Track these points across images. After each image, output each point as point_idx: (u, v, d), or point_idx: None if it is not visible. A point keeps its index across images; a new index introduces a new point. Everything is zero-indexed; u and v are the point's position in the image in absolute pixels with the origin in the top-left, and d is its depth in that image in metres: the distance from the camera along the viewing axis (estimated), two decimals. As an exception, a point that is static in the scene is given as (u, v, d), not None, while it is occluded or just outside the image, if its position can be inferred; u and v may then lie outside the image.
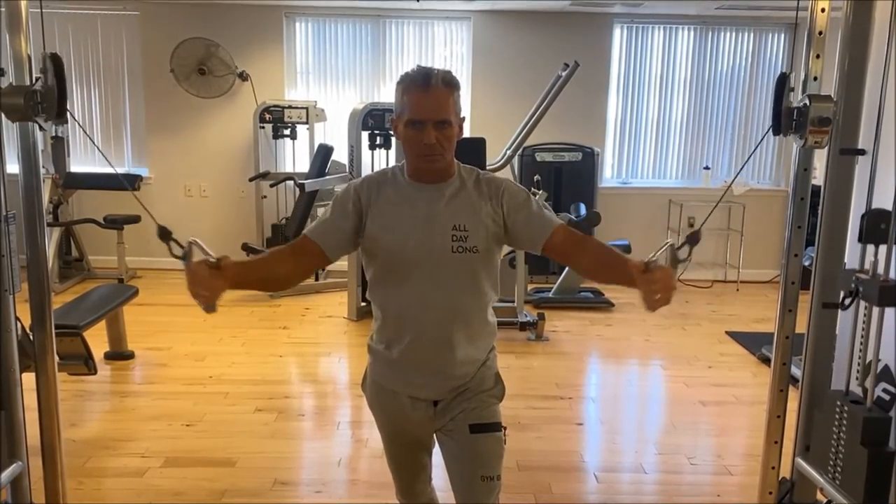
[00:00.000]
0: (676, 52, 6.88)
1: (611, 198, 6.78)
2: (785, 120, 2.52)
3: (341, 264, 6.52)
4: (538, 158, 6.56)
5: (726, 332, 5.41)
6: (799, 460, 2.85)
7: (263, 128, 6.61)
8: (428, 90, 1.78)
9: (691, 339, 5.32)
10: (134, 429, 3.65)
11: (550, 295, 6.04)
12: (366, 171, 5.53)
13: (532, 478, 3.20)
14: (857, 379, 2.63)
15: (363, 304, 5.56)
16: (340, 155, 6.47)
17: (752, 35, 6.86)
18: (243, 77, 6.66)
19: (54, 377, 2.44)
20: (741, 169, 6.86)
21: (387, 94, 6.71)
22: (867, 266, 2.47)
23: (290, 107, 6.54)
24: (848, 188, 2.73)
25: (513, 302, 5.37)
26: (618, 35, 6.81)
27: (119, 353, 4.52)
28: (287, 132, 6.62)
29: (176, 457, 3.35)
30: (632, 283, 1.66)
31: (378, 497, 3.03)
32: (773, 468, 2.75)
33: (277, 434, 3.67)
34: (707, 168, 6.95)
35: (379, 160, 5.61)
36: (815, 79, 2.50)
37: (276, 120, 6.53)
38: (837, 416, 2.65)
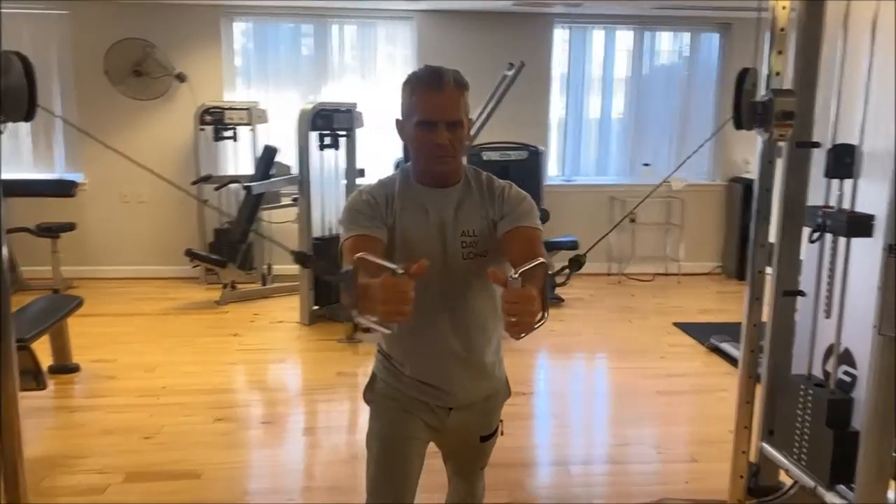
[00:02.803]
0: (616, 52, 7.03)
1: (556, 195, 6.87)
2: (748, 114, 2.59)
3: (290, 267, 6.43)
4: (485, 157, 6.58)
5: (674, 324, 5.55)
6: (763, 444, 2.95)
7: (203, 130, 6.44)
8: (440, 90, 1.74)
9: (640, 331, 5.44)
10: (88, 444, 3.49)
11: (501, 293, 6.08)
12: (315, 172, 5.46)
13: (504, 475, 3.21)
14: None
15: (315, 307, 5.49)
16: (285, 156, 6.37)
17: (687, 35, 7.07)
18: (181, 78, 6.47)
19: (15, 394, 2.32)
20: (678, 167, 7.04)
21: (330, 94, 6.64)
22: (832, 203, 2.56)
23: (230, 108, 6.38)
24: (804, 180, 2.83)
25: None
26: (559, 35, 6.91)
27: (64, 367, 4.33)
28: (228, 134, 6.46)
29: (137, 471, 3.22)
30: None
31: (356, 499, 2.98)
32: (744, 453, 2.84)
33: (241, 444, 3.58)
34: (647, 165, 7.12)
35: (328, 161, 5.53)
36: (778, 74, 2.58)
37: (217, 122, 6.37)
38: (801, 400, 2.75)
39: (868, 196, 2.51)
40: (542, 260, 1.51)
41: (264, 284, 6.32)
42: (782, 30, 2.55)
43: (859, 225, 2.50)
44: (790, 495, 2.83)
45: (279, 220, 6.61)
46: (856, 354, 2.71)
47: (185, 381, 4.29)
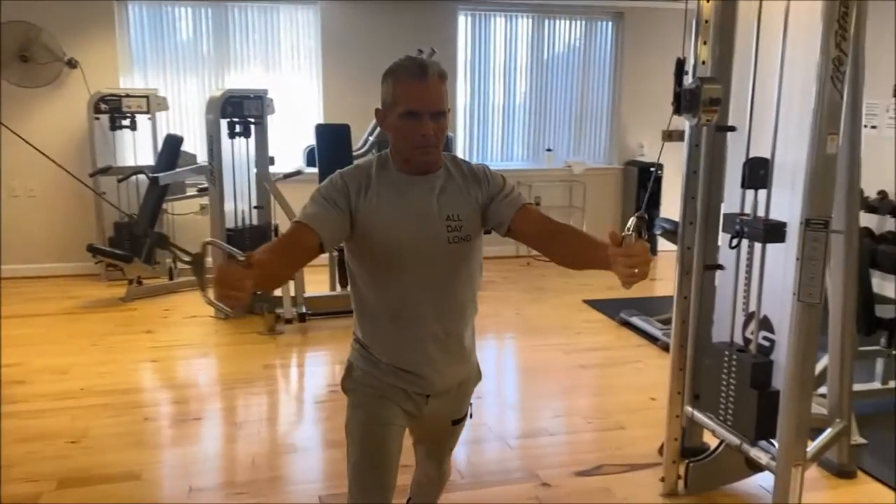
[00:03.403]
0: (517, 40, 7.22)
1: (464, 181, 6.99)
2: (676, 100, 2.77)
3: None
4: (394, 144, 6.61)
5: (584, 301, 5.81)
6: (689, 408, 3.16)
7: (98, 119, 6.12)
8: (425, 81, 1.76)
9: (555, 309, 5.66)
10: (10, 453, 3.29)
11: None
12: (226, 160, 5.32)
13: (449, 453, 3.29)
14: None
15: (231, 300, 5.36)
16: (189, 145, 6.17)
17: (583, 24, 7.34)
18: (72, 64, 6.12)
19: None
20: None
21: (232, 82, 6.47)
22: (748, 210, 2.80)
23: (127, 95, 6.10)
24: (722, 162, 3.04)
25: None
26: (462, 23, 7.02)
27: (-33, 374, 4.06)
28: (126, 123, 6.18)
29: (70, 477, 3.09)
30: (605, 265, 1.61)
31: (306, 492, 2.99)
32: (678, 416, 3.04)
33: (176, 441, 3.49)
34: (549, 150, 7.36)
35: (239, 149, 5.40)
36: (704, 63, 2.76)
37: (114, 110, 6.08)
38: (726, 365, 2.97)
39: (780, 204, 2.75)
40: (639, 214, 1.70)
41: (171, 279, 6.11)
42: (706, 21, 2.74)
43: (774, 232, 2.75)
44: (717, 454, 3.06)
45: (183, 211, 6.42)
46: (774, 321, 2.97)
47: (103, 382, 4.11)
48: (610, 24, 7.38)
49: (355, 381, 1.97)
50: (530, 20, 7.19)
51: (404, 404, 1.94)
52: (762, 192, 2.78)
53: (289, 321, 5.07)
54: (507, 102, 7.31)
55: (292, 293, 5.18)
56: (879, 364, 3.84)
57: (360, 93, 6.66)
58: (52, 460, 3.22)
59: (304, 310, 5.13)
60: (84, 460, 3.24)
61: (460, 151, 7.24)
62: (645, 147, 7.59)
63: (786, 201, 2.73)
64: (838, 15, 2.44)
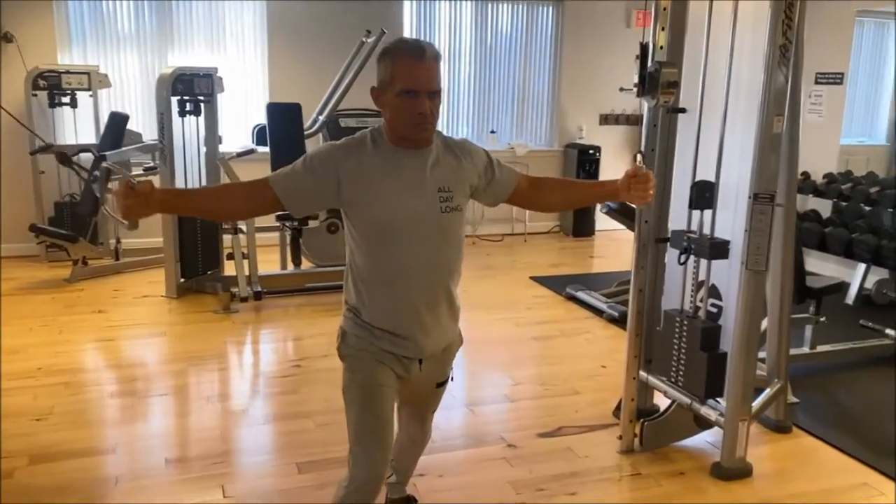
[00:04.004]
0: (461, 24, 7.34)
1: (410, 161, 7.10)
2: (640, 83, 2.94)
3: (141, 241, 6.18)
4: (342, 124, 6.61)
5: (530, 278, 6.01)
6: (641, 373, 3.39)
7: (37, 96, 5.96)
8: (423, 61, 1.86)
9: (504, 286, 5.85)
10: (-27, 432, 3.27)
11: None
12: (177, 138, 5.27)
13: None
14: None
15: (182, 280, 5.35)
16: (133, 123, 6.06)
17: (524, 8, 7.51)
18: (7, 38, 5.92)
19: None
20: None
21: (176, 61, 6.37)
22: (694, 227, 3.04)
23: (67, 72, 5.96)
24: (673, 142, 3.24)
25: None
26: (408, 7, 7.09)
27: (-85, 356, 3.95)
28: (66, 100, 6.03)
29: (41, 453, 3.08)
30: (615, 194, 2.18)
31: (283, 460, 3.08)
32: (634, 379, 3.25)
33: (145, 416, 3.51)
34: (493, 132, 7.53)
35: (189, 127, 5.36)
36: (662, 48, 2.95)
37: (53, 87, 5.93)
38: (677, 330, 3.20)
39: (723, 223, 2.99)
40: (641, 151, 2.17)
41: (117, 259, 6.02)
42: (665, 9, 2.92)
43: (718, 249, 2.99)
44: (669, 413, 3.29)
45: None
46: (721, 289, 3.20)
47: (60, 361, 4.07)
48: (551, 9, 7.57)
49: (351, 346, 2.07)
50: (473, 4, 7.32)
51: (396, 368, 2.06)
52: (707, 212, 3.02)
53: (244, 299, 5.09)
54: (451, 85, 7.43)
55: (247, 272, 5.20)
56: (808, 330, 4.16)
57: (307, 73, 6.69)
58: (18, 438, 3.20)
59: (259, 288, 5.15)
60: (53, 437, 3.23)
61: (406, 132, 7.32)
62: (584, 130, 7.85)
63: (728, 221, 2.99)
64: (785, 6, 2.67)
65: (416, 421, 2.38)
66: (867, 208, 5.79)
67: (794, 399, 3.68)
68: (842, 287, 4.76)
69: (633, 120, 8.06)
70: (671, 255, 3.31)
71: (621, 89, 8.36)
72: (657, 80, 2.87)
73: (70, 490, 2.81)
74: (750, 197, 2.83)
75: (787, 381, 3.48)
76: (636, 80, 2.90)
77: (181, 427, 3.47)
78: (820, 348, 4.20)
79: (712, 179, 2.99)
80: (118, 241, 6.06)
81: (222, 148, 5.61)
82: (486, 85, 7.53)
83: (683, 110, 3.18)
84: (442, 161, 2.01)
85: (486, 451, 3.20)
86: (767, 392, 3.31)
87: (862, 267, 5.46)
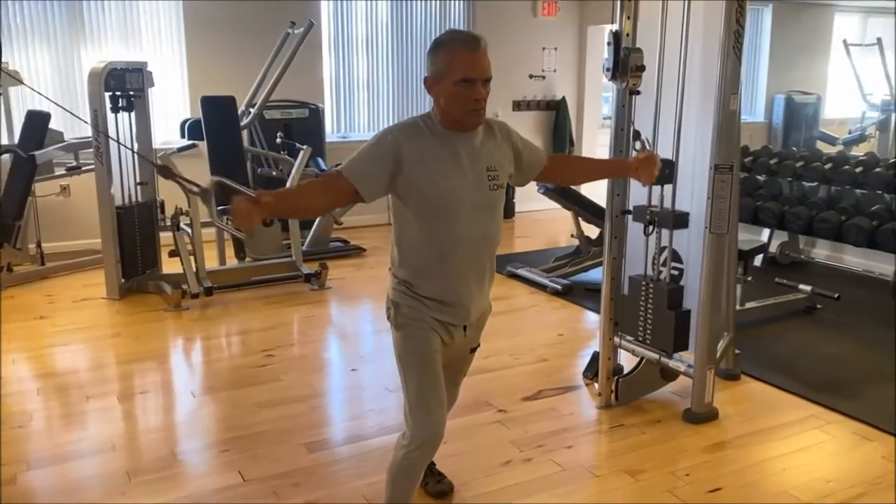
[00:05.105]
0: (378, 18, 7.46)
1: (337, 151, 7.15)
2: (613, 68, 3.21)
3: (64, 245, 5.99)
4: (267, 116, 6.61)
5: (467, 260, 6.24)
6: (610, 334, 3.69)
7: (-61, 94, 5.61)
8: (478, 52, 2.03)
9: (444, 269, 6.04)
10: (-45, 444, 3.15)
11: (304, 248, 6.27)
12: (112, 133, 5.12)
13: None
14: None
15: (123, 280, 5.22)
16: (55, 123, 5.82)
17: (438, 4, 7.72)
18: None
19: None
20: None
21: (89, 57, 6.16)
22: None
23: (-27, 70, 5.63)
24: (630, 119, 3.52)
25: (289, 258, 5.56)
26: (325, 5, 7.17)
27: None
28: (-27, 100, 5.70)
29: (38, 457, 3.03)
30: (626, 170, 2.60)
31: (291, 440, 3.17)
32: (610, 339, 3.55)
33: (134, 414, 3.48)
34: (414, 120, 7.70)
35: (122, 123, 5.21)
36: (628, 35, 3.23)
37: (-41, 85, 5.59)
38: (644, 293, 3.52)
39: (682, 196, 3.33)
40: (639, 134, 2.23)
41: (43, 264, 5.77)
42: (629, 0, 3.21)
43: (680, 220, 3.34)
44: (639, 370, 3.61)
45: (43, 193, 6.04)
46: (682, 253, 3.55)
47: (21, 368, 3.95)
48: (462, 3, 7.81)
49: (405, 316, 2.23)
50: (389, 4, 7.47)
51: (443, 335, 2.24)
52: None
53: (195, 296, 5.04)
54: (371, 76, 7.54)
55: (194, 268, 5.14)
56: (738, 289, 4.61)
57: (227, 67, 6.64)
58: (8, 445, 3.12)
59: (208, 284, 5.12)
60: (44, 441, 3.18)
61: (329, 123, 7.39)
62: (499, 116, 8.15)
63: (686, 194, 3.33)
64: (738, -5, 3.01)
65: (450, 385, 2.52)
66: (761, 179, 6.40)
67: (736, 351, 4.10)
68: (765, 249, 5.28)
69: (543, 105, 8.45)
70: (633, 226, 3.63)
71: (531, 76, 8.80)
72: (626, 64, 3.15)
73: (78, 491, 2.79)
74: (711, 168, 3.17)
75: (734, 333, 3.88)
76: (609, 65, 3.16)
77: (175, 421, 3.48)
78: (748, 305, 4.68)
79: (672, 157, 3.31)
80: (38, 245, 5.81)
81: (157, 144, 5.50)
82: (405, 76, 7.70)
83: (638, 92, 3.48)
84: (487, 142, 2.19)
85: (479, 417, 3.41)
86: (723, 343, 3.70)
87: (766, 232, 6.06)
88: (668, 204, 3.35)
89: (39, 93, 5.29)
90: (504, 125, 2.28)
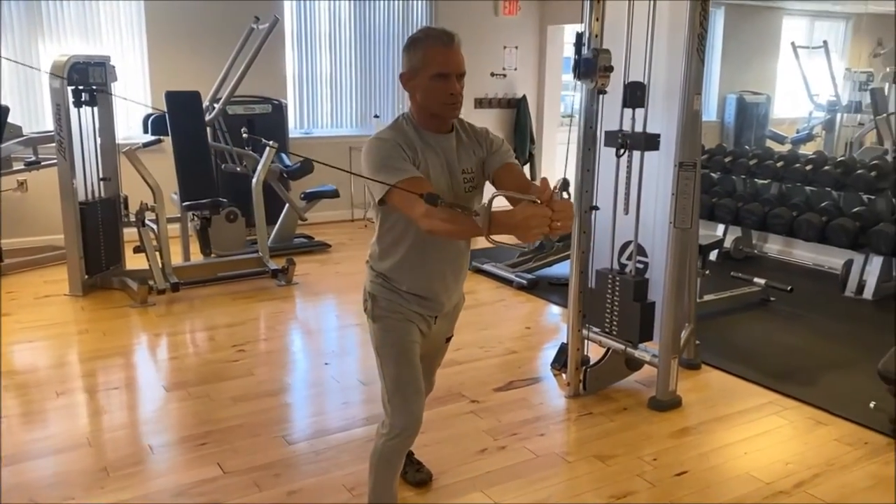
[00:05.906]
0: (341, 16, 7.48)
1: (300, 147, 7.16)
2: (576, 68, 3.32)
3: (20, 241, 5.90)
4: (230, 111, 6.57)
5: (432, 256, 6.32)
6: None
7: None
8: (451, 47, 2.08)
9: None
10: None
11: (269, 244, 6.26)
12: (75, 128, 5.05)
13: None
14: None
15: (87, 277, 5.16)
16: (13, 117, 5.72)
17: (399, 2, 7.77)
18: None
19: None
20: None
21: (47, 52, 6.06)
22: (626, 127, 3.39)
23: (-72, 62, 5.49)
24: (598, 120, 3.62)
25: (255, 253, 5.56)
26: (288, 5, 7.16)
27: None
28: (-74, 93, 5.56)
29: (14, 452, 3.00)
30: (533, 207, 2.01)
31: (268, 434, 3.20)
32: (580, 331, 3.66)
33: (106, 409, 3.47)
34: (377, 116, 7.73)
35: (86, 117, 5.15)
36: (597, 36, 3.33)
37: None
38: (610, 286, 3.64)
39: (652, 119, 3.40)
40: (565, 179, 2.04)
41: (1, 260, 5.66)
42: (599, 1, 3.31)
43: (651, 141, 3.39)
44: (606, 360, 3.73)
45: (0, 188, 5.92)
46: (646, 247, 3.68)
47: (-14, 366, 3.89)
48: (424, 2, 7.86)
49: (383, 308, 2.29)
50: (350, 4, 7.50)
51: (420, 325, 2.31)
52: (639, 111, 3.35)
53: (161, 292, 5.01)
54: (334, 73, 7.55)
55: (160, 264, 5.11)
56: (697, 283, 4.77)
57: (189, 63, 6.59)
58: (-20, 442, 3.10)
59: (174, 279, 5.09)
60: (17, 437, 3.15)
61: (291, 118, 7.37)
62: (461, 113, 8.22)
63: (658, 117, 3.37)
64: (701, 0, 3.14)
65: (427, 373, 2.60)
66: (716, 176, 6.61)
67: (697, 341, 4.26)
68: (721, 244, 5.47)
69: (504, 103, 8.56)
70: (601, 217, 3.73)
71: (492, 74, 8.88)
72: (595, 64, 3.26)
73: (60, 484, 2.79)
74: (675, 165, 3.30)
75: (695, 324, 4.04)
76: (580, 66, 3.26)
77: (150, 416, 3.48)
78: (706, 297, 4.85)
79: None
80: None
81: (124, 139, 5.44)
82: (368, 73, 7.73)
83: (605, 92, 3.59)
84: (463, 143, 2.23)
85: (453, 407, 3.49)
86: (685, 333, 3.84)
87: (721, 227, 6.27)
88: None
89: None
90: (476, 126, 2.30)
